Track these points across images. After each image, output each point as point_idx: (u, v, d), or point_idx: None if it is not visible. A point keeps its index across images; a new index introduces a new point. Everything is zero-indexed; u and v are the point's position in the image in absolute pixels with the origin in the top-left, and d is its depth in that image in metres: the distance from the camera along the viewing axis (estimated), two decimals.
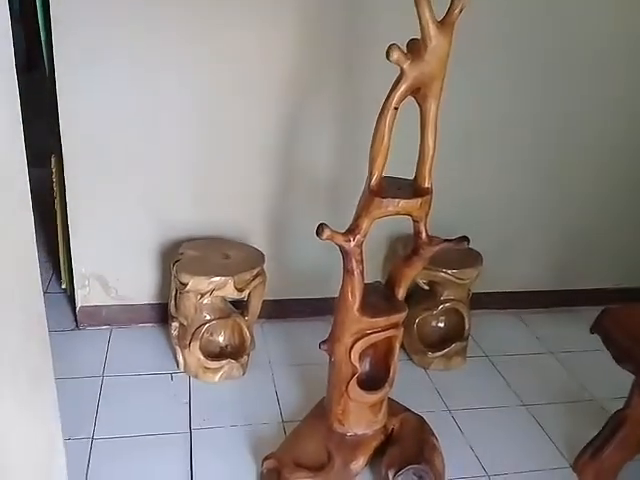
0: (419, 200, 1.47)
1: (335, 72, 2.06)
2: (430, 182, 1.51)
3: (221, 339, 2.08)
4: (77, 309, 2.20)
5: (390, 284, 1.66)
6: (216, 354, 2.05)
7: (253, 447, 1.76)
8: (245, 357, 2.04)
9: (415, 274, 1.63)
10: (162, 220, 2.14)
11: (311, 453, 1.65)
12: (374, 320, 1.58)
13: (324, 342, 1.67)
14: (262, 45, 1.98)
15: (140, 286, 2.22)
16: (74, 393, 1.88)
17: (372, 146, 1.43)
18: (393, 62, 1.32)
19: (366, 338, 1.60)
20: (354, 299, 1.55)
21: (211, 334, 2.06)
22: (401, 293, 1.65)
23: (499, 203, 2.41)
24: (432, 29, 1.30)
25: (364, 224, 1.48)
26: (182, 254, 2.00)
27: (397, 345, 1.68)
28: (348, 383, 1.64)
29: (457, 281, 2.12)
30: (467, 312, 2.21)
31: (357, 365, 1.61)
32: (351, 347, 1.59)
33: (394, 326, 1.63)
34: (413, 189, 1.51)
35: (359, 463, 1.66)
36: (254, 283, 1.99)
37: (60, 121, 1.92)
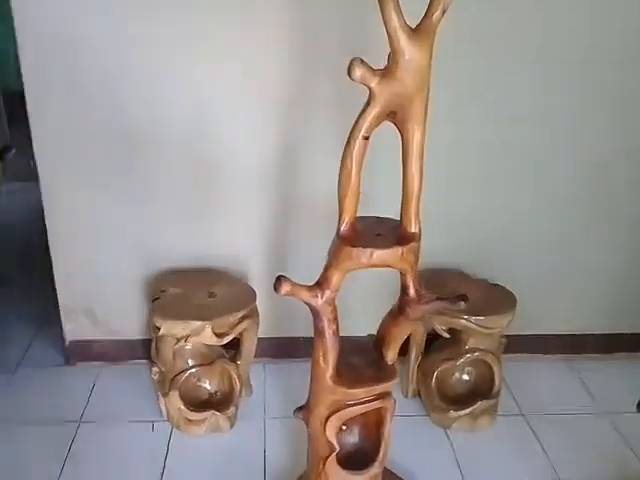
0: (399, 249, 1.17)
1: (335, 90, 1.77)
2: (417, 226, 1.22)
3: (209, 386, 1.86)
4: (66, 344, 2.06)
5: (379, 344, 1.38)
6: (203, 402, 1.84)
7: None
8: (232, 408, 1.80)
9: (405, 335, 1.33)
10: (151, 250, 1.95)
11: None
12: (352, 391, 1.30)
13: (299, 409, 1.41)
14: (256, 66, 1.73)
15: (131, 320, 2.04)
16: (43, 443, 1.73)
17: (339, 185, 1.16)
18: (357, 81, 1.04)
19: (344, 411, 1.32)
20: (327, 365, 1.28)
21: (198, 380, 1.84)
22: (390, 356, 1.36)
23: (542, 230, 2.04)
24: (403, 39, 1.00)
25: (334, 277, 1.21)
26: (163, 291, 1.80)
27: (389, 418, 1.39)
28: (326, 461, 1.37)
29: (482, 330, 1.78)
30: (498, 365, 1.86)
31: (334, 443, 1.34)
32: (326, 421, 1.32)
33: (381, 397, 1.34)
34: (397, 235, 1.22)
35: None
36: (242, 326, 1.75)
37: (34, 149, 1.77)
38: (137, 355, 2.09)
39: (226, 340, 1.72)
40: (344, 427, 1.43)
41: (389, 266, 1.19)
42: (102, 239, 1.92)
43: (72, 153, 1.80)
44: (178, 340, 1.68)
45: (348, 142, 1.10)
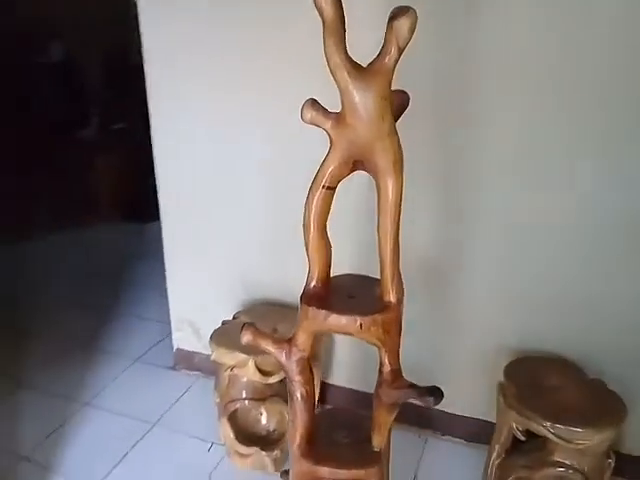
0: (358, 320, 1.00)
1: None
2: (396, 295, 1.03)
3: (267, 422, 1.83)
4: (174, 350, 2.24)
5: (372, 426, 1.19)
6: (259, 437, 1.82)
7: None
8: (277, 451, 1.75)
9: (386, 421, 1.13)
10: (247, 279, 2.02)
11: None
12: (316, 468, 1.15)
13: (286, 472, 1.31)
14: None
15: None
16: (113, 434, 1.91)
17: (304, 238, 1.05)
18: (308, 123, 0.94)
19: None
20: (294, 432, 1.16)
21: (260, 414, 1.83)
22: (376, 441, 1.17)
23: None
24: (346, 79, 0.87)
25: (299, 336, 1.10)
26: (235, 317, 1.84)
27: None
28: None
29: (561, 442, 1.40)
30: None
31: None
32: None
33: None
34: (371, 301, 1.05)
35: None
36: None
37: (157, 185, 2.00)
38: None
39: (272, 380, 1.68)
40: None
41: (349, 334, 1.03)
42: (209, 264, 2.06)
43: (188, 195, 2.00)
44: (227, 368, 1.70)
45: (309, 193, 1.00)
